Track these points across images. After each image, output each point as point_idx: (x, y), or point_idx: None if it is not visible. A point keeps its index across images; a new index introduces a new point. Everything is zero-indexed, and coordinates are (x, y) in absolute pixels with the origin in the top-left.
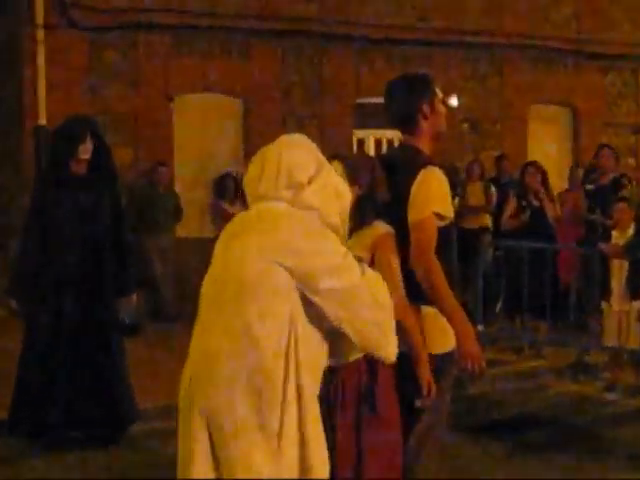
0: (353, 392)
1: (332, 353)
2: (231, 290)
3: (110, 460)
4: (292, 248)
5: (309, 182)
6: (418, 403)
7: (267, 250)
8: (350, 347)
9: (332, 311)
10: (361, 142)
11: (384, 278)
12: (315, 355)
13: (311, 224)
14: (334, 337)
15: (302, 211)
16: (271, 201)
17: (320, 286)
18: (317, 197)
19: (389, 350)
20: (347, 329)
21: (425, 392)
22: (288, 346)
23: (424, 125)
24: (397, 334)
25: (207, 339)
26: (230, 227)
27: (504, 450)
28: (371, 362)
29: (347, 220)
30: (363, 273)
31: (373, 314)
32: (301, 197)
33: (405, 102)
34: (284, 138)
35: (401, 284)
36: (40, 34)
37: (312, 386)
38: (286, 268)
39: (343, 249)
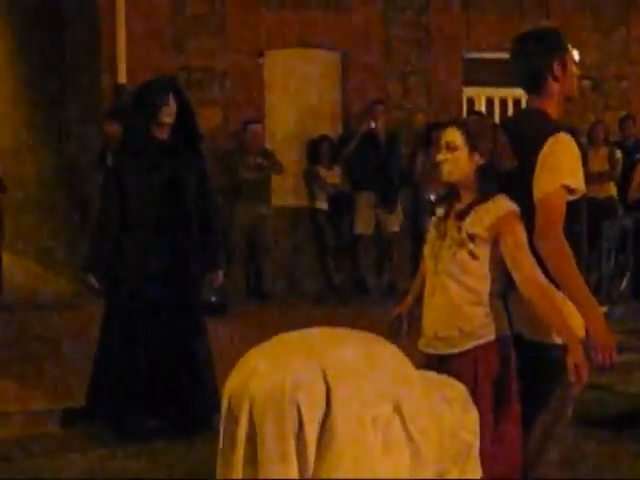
0: (485, 383)
1: (444, 341)
2: None
3: (191, 450)
4: None
5: None
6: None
7: None
8: (464, 335)
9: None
10: (471, 101)
11: (515, 260)
12: None
13: None
14: (444, 326)
15: None
16: None
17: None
18: None
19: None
20: None
21: (574, 378)
22: None
23: (554, 86)
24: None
25: None
26: None
27: (632, 449)
28: (504, 349)
29: None
30: None
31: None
32: None
33: (535, 59)
34: None
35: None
36: None
37: None
38: None
39: None
